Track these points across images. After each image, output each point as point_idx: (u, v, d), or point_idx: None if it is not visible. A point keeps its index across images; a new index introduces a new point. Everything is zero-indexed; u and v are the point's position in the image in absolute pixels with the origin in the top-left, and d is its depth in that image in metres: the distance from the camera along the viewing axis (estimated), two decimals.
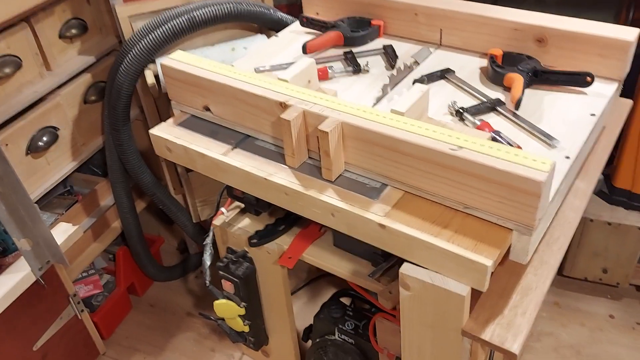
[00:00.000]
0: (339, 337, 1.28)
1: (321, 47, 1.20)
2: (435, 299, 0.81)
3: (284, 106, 0.91)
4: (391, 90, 1.07)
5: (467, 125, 0.96)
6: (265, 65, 1.16)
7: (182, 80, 1.04)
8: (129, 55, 1.33)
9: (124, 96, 1.37)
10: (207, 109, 1.05)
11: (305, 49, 1.18)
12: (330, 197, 0.87)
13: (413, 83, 1.06)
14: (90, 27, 1.53)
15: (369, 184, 0.89)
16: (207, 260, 1.22)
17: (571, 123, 0.94)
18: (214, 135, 1.04)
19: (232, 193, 1.15)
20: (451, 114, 0.99)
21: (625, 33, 0.99)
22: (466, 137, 0.78)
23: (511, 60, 1.06)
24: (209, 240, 1.22)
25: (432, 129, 0.81)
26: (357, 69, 1.12)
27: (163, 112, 1.59)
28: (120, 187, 1.54)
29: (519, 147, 0.88)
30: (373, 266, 1.07)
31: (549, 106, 0.99)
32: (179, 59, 1.05)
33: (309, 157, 0.95)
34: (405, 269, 0.82)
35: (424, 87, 0.90)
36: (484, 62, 1.12)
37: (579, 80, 1.00)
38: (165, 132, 1.05)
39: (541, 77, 1.02)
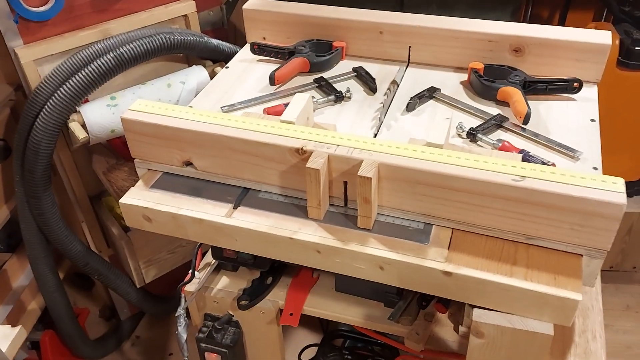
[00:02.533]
0: None
1: (289, 76, 1.09)
2: (513, 342, 0.75)
3: (301, 152, 0.79)
4: (385, 117, 0.99)
5: (482, 146, 0.91)
6: (233, 104, 1.02)
7: (152, 135, 0.87)
8: (47, 107, 1.10)
9: (42, 156, 1.13)
10: (189, 164, 0.89)
11: (273, 80, 1.05)
12: (376, 248, 0.77)
13: (407, 106, 1.00)
14: None
15: (410, 225, 0.80)
16: (183, 333, 1.05)
17: (577, 131, 0.93)
18: (198, 193, 0.89)
19: (219, 254, 0.99)
20: (459, 135, 0.93)
21: (601, 37, 1.01)
22: (523, 165, 0.73)
23: (494, 73, 1.04)
24: (181, 310, 1.05)
25: (482, 160, 0.74)
26: (339, 97, 1.03)
27: (81, 166, 1.35)
28: (43, 262, 1.28)
29: (554, 165, 0.85)
30: (386, 307, 0.99)
31: (548, 116, 0.98)
32: (143, 110, 0.88)
33: (330, 205, 0.84)
34: (478, 315, 0.75)
35: (448, 114, 0.84)
36: (461, 77, 1.09)
37: (568, 87, 1.00)
38: (140, 198, 0.87)
39: (530, 88, 1.01)
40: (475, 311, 0.75)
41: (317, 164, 0.76)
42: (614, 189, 0.69)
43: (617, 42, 1.41)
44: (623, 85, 1.44)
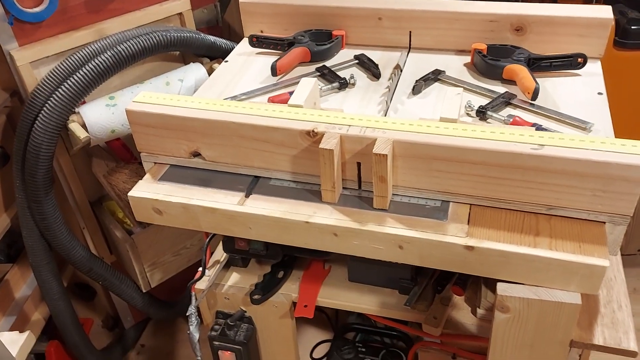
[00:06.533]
0: None
1: (290, 66, 1.07)
2: (540, 315, 0.73)
3: (312, 135, 0.77)
4: (391, 101, 0.98)
5: (492, 124, 0.90)
6: (236, 95, 1.00)
7: (158, 126, 0.85)
8: (45, 109, 1.08)
9: (43, 159, 1.11)
10: (197, 155, 0.87)
11: (275, 70, 1.04)
12: (395, 227, 0.75)
13: (413, 89, 0.98)
14: None
15: (427, 204, 0.79)
16: (195, 332, 1.02)
17: (585, 105, 0.93)
18: (208, 184, 0.87)
19: (231, 247, 0.97)
20: (468, 114, 0.92)
21: (602, 11, 1.01)
22: (540, 134, 0.72)
23: (498, 52, 1.03)
24: (192, 308, 1.03)
25: (499, 131, 0.73)
26: (343, 84, 1.01)
27: (80, 171, 1.33)
28: (46, 270, 1.25)
29: None
30: (401, 293, 0.98)
31: (555, 92, 0.97)
32: (148, 101, 0.86)
33: (343, 188, 0.82)
34: (502, 289, 0.73)
35: (458, 89, 0.83)
36: (464, 59, 1.08)
37: (573, 62, 0.99)
38: (150, 191, 0.85)
39: (534, 65, 1.00)
40: (500, 285, 0.74)
41: (330, 144, 0.75)
42: (634, 152, 0.68)
43: (613, 22, 1.41)
44: (621, 66, 1.44)
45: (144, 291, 1.37)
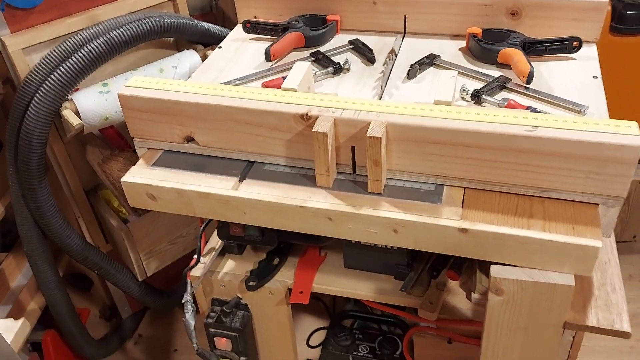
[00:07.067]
0: None
1: (285, 51, 1.07)
2: (534, 297, 0.73)
3: (306, 118, 0.77)
4: (386, 86, 0.97)
5: (487, 107, 0.90)
6: (230, 81, 1.00)
7: (151, 111, 0.85)
8: (38, 95, 1.07)
9: (37, 146, 1.10)
10: (190, 140, 0.86)
11: (269, 55, 1.03)
12: (390, 211, 0.75)
13: (408, 74, 0.98)
14: None
15: (421, 188, 0.79)
16: (191, 320, 1.02)
17: (580, 88, 0.92)
18: (202, 169, 0.86)
19: (226, 233, 0.97)
20: (463, 98, 0.92)
21: None
22: (534, 116, 0.72)
23: (493, 36, 1.03)
24: (188, 296, 1.03)
25: (493, 114, 0.73)
26: (337, 69, 1.01)
27: (75, 159, 1.32)
28: (41, 259, 1.25)
29: None
30: (397, 279, 0.98)
31: (550, 75, 0.96)
32: (141, 86, 0.85)
33: (337, 172, 0.82)
34: (496, 271, 0.73)
35: (452, 72, 0.82)
36: (459, 44, 1.07)
37: (568, 46, 0.99)
38: (144, 176, 0.85)
39: (530, 49, 1.00)
40: (494, 267, 0.74)
41: (324, 127, 0.74)
42: (628, 132, 0.68)
43: (609, 7, 1.41)
44: (617, 51, 1.43)
45: (140, 280, 1.37)
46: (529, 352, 0.80)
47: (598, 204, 0.73)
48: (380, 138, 0.72)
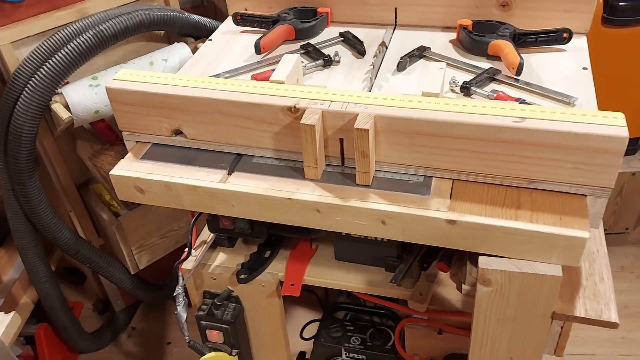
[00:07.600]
0: (347, 356, 1.17)
1: (274, 44, 1.06)
2: (521, 288, 0.74)
3: (294, 111, 0.77)
4: (375, 78, 0.97)
5: (476, 99, 0.89)
6: (219, 73, 0.99)
7: (139, 104, 0.84)
8: (27, 89, 1.07)
9: (26, 140, 1.10)
10: (178, 133, 0.86)
11: (259, 48, 1.03)
12: (378, 202, 0.75)
13: (398, 66, 0.98)
14: None
15: (409, 179, 0.79)
16: (183, 312, 1.02)
17: (570, 79, 0.92)
18: (190, 162, 0.86)
19: (216, 226, 0.97)
20: (452, 90, 0.92)
21: None
22: (522, 107, 0.72)
23: (483, 28, 1.02)
24: (179, 288, 1.03)
25: (481, 105, 0.73)
26: (327, 61, 1.00)
27: (65, 153, 1.32)
28: (33, 252, 1.25)
29: None
30: (387, 271, 0.98)
31: (540, 67, 0.96)
32: (129, 79, 0.85)
33: (326, 165, 0.82)
34: (484, 262, 0.73)
35: (441, 64, 0.82)
36: (450, 36, 1.07)
37: (558, 37, 0.99)
38: (132, 169, 0.84)
39: (520, 41, 1.00)
40: (482, 259, 0.74)
41: (312, 119, 0.74)
42: (615, 123, 0.68)
43: None
44: (609, 43, 1.44)
45: (132, 273, 1.37)
46: (518, 342, 0.80)
47: (586, 195, 0.73)
48: (368, 130, 0.72)
